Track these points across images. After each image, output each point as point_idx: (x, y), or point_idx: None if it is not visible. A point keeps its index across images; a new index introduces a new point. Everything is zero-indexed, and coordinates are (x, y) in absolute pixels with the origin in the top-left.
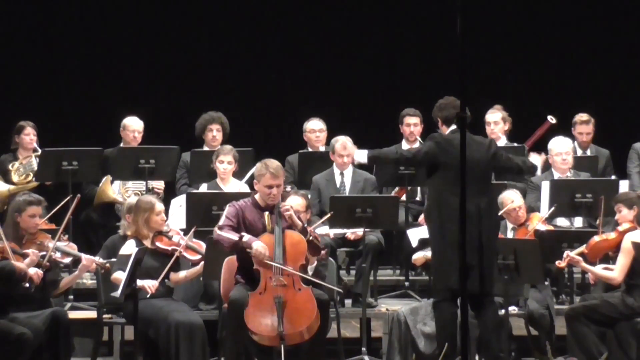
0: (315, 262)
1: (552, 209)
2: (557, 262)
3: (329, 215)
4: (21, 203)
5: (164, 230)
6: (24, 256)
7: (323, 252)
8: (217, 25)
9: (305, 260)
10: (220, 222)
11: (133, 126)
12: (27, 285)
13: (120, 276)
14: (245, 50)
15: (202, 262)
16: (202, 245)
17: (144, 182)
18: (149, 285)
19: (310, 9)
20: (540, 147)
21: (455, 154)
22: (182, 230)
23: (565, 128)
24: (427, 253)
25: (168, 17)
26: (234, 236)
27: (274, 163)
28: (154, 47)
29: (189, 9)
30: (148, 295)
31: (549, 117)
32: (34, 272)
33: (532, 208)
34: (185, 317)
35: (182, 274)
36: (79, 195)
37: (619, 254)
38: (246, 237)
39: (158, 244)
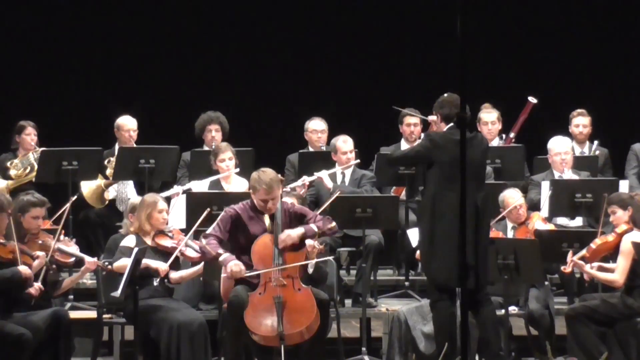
0: (316, 259)
1: (547, 201)
2: (562, 268)
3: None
4: (25, 204)
5: (165, 229)
6: (33, 258)
7: (321, 247)
8: (217, 25)
9: (305, 260)
10: (209, 230)
11: (127, 125)
12: (31, 292)
13: (124, 263)
14: (245, 50)
15: (202, 263)
16: None
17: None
18: (162, 268)
19: (311, 8)
20: (526, 132)
21: (453, 150)
22: (182, 230)
23: (564, 128)
24: None
25: (168, 17)
26: (213, 251)
27: (267, 177)
28: (154, 46)
29: (189, 9)
30: (156, 282)
31: (530, 98)
32: (34, 288)
33: (534, 202)
34: (187, 317)
35: (179, 274)
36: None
37: (619, 256)
38: (223, 256)
39: (159, 241)
